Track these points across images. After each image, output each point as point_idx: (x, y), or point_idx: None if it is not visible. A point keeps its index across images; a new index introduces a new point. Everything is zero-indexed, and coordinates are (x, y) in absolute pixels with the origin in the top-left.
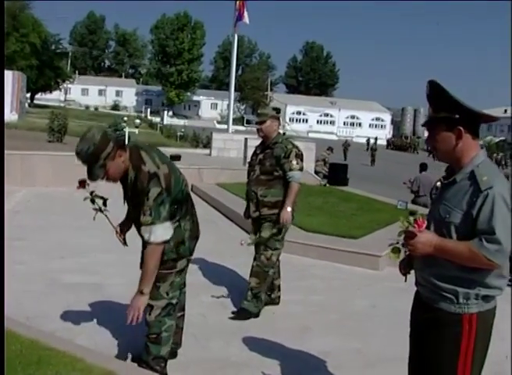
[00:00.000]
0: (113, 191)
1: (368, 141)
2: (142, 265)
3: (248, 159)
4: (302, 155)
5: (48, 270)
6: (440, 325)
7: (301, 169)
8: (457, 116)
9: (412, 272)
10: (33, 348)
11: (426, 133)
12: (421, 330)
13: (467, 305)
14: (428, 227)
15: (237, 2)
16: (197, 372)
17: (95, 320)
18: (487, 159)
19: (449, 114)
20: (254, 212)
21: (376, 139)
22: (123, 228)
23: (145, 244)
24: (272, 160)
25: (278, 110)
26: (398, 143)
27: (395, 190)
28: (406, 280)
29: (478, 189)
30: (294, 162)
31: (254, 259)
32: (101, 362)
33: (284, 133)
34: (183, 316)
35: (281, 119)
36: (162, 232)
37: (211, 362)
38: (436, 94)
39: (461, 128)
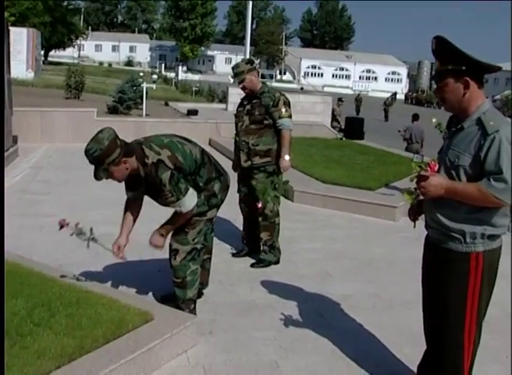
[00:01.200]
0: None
1: (394, 95)
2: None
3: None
4: (289, 102)
5: (75, 222)
6: (449, 263)
7: (290, 117)
8: (464, 68)
9: (421, 218)
10: (72, 291)
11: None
12: (431, 270)
13: (473, 244)
14: (437, 171)
15: None
16: (224, 313)
17: (125, 267)
18: (492, 107)
19: (456, 66)
20: (245, 162)
21: (395, 94)
22: (120, 245)
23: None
24: (260, 109)
25: (251, 61)
26: (417, 97)
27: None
28: (415, 226)
29: (485, 133)
30: (283, 109)
31: (257, 215)
32: (136, 303)
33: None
34: (210, 258)
35: (295, 73)
36: (189, 201)
37: (238, 304)
38: (443, 48)
39: (468, 78)
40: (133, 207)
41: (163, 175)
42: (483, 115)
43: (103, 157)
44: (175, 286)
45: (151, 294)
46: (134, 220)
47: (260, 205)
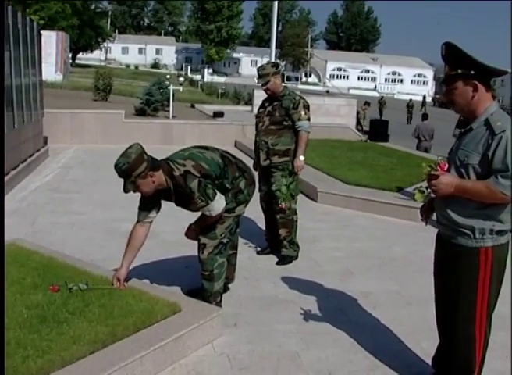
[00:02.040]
0: None
1: (424, 98)
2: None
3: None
4: (309, 106)
5: (106, 219)
6: (459, 258)
7: (309, 119)
8: (472, 72)
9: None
10: (103, 283)
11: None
12: (443, 265)
13: (482, 239)
14: (447, 171)
15: None
16: (249, 306)
17: (153, 262)
18: (499, 109)
19: (465, 70)
20: (264, 161)
21: (424, 97)
22: (120, 278)
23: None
24: (281, 111)
25: (276, 65)
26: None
27: (434, 147)
28: (426, 224)
29: (493, 133)
30: (302, 112)
31: (275, 212)
32: (164, 295)
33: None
34: (235, 253)
35: (321, 76)
36: (218, 205)
37: (261, 299)
38: (453, 53)
39: (476, 82)
40: (139, 236)
41: (191, 184)
42: (490, 116)
43: (130, 170)
44: (203, 279)
45: (178, 288)
46: (137, 251)
47: (282, 206)
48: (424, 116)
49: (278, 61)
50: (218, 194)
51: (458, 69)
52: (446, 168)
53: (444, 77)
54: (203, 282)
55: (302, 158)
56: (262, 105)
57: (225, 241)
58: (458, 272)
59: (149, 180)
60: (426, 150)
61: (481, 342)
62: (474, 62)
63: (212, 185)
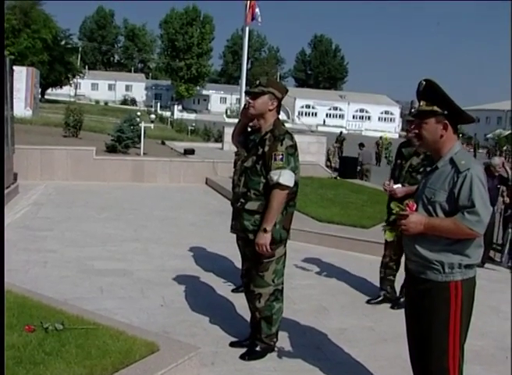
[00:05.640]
0: None
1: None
2: (266, 206)
3: None
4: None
5: (79, 258)
6: (430, 293)
7: None
8: (446, 112)
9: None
10: (79, 323)
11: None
12: (414, 301)
13: (452, 273)
14: (415, 210)
15: (248, 2)
16: (227, 345)
17: (129, 301)
18: (462, 149)
19: (440, 109)
20: None
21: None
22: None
23: (271, 188)
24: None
25: None
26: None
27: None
28: None
29: (458, 171)
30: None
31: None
32: (141, 335)
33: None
34: None
35: (290, 113)
36: (289, 177)
37: (239, 337)
38: (432, 90)
39: (447, 122)
40: None
41: (286, 139)
42: (455, 155)
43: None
44: (262, 320)
45: (155, 326)
46: None
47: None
48: (361, 145)
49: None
50: (293, 173)
51: (434, 106)
52: (414, 208)
53: (417, 111)
54: (262, 325)
55: None
56: None
57: (280, 287)
58: (429, 306)
59: (267, 100)
60: (367, 170)
61: (455, 374)
62: (450, 104)
63: (295, 167)
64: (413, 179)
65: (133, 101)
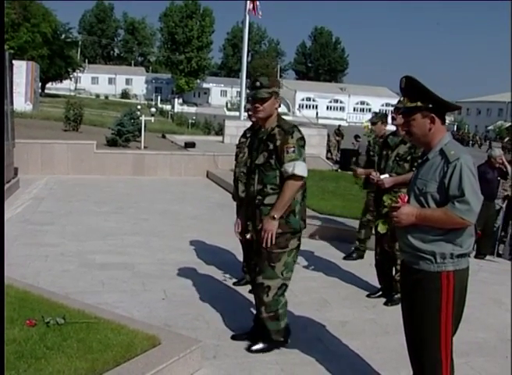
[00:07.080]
0: None
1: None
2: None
3: None
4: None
5: (80, 252)
6: (422, 283)
7: None
8: (431, 106)
9: None
10: (81, 317)
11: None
12: (407, 291)
13: (443, 263)
14: (407, 202)
15: None
16: (228, 338)
17: (130, 295)
18: (452, 140)
19: (424, 104)
20: (242, 192)
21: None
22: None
23: (286, 179)
24: None
25: None
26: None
27: None
28: None
29: (448, 161)
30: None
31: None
32: (143, 328)
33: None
34: None
35: (290, 105)
36: (303, 168)
37: (240, 330)
38: (413, 86)
39: (434, 115)
40: None
41: (296, 132)
42: (445, 146)
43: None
44: (268, 319)
45: (157, 320)
46: None
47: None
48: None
49: (248, 91)
50: (305, 164)
51: (417, 101)
52: (406, 200)
53: (403, 109)
54: (267, 323)
55: None
56: (244, 135)
57: (287, 282)
58: (421, 296)
59: (274, 101)
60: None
61: (447, 365)
62: (432, 97)
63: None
64: (400, 168)
65: (126, 95)
